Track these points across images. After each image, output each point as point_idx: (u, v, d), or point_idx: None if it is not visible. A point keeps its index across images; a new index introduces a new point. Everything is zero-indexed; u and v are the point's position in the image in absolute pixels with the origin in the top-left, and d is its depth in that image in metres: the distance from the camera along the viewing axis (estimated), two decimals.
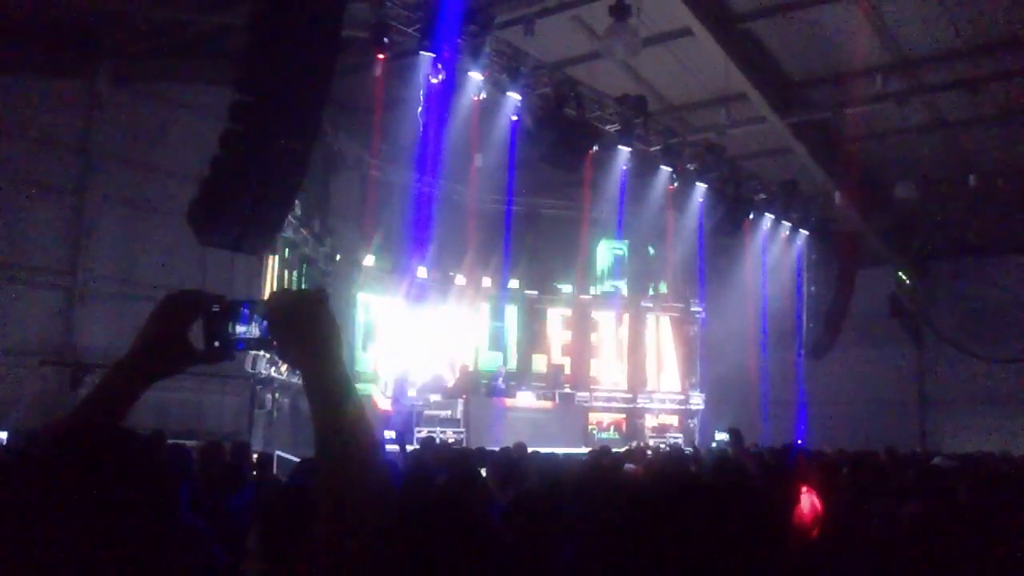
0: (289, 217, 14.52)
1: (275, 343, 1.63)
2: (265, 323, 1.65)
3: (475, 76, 15.01)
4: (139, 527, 1.24)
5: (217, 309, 1.68)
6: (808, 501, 4.28)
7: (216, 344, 1.68)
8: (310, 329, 1.58)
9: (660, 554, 3.53)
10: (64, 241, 15.02)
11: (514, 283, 22.34)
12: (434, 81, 13.98)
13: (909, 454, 12.56)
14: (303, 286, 17.68)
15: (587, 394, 22.85)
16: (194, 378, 14.05)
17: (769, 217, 21.77)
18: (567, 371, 23.28)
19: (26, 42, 13.75)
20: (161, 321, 1.67)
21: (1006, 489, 6.20)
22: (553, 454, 11.44)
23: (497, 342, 22.48)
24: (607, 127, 17.61)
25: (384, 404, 18.07)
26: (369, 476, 1.49)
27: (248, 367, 15.09)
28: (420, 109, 14.30)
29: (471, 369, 20.47)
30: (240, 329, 1.67)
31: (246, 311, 1.68)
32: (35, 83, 14.45)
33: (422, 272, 19.83)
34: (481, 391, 19.19)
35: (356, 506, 1.45)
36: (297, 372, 1.75)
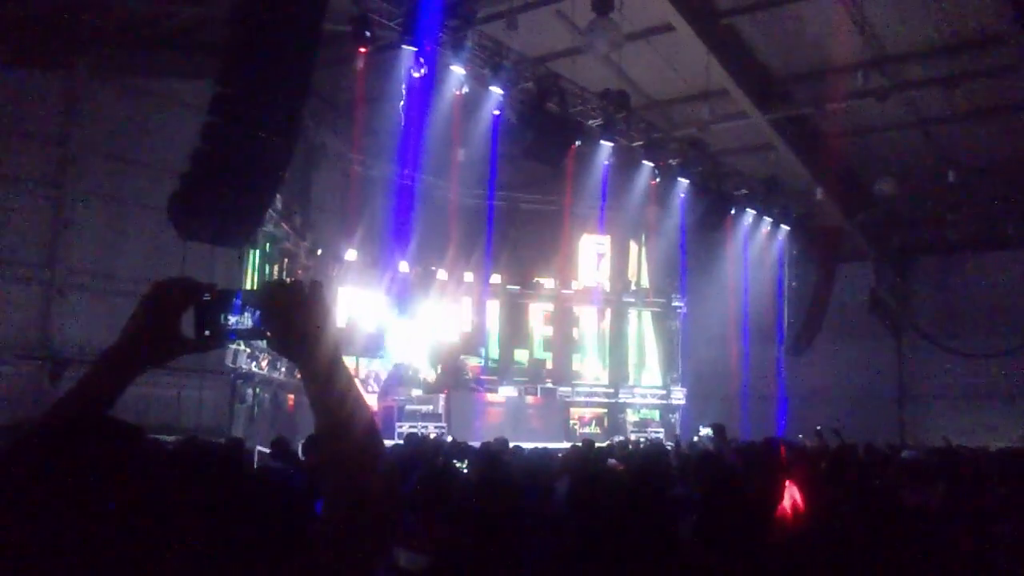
0: (270, 211, 14.47)
1: (268, 333, 1.61)
2: (258, 313, 1.63)
3: (457, 70, 14.98)
4: (131, 521, 1.23)
5: (208, 298, 1.66)
6: (789, 496, 4.30)
7: (207, 333, 1.65)
8: (304, 319, 1.56)
9: (642, 548, 3.53)
10: (42, 235, 14.88)
11: (496, 278, 22.34)
12: (416, 75, 13.94)
13: (886, 448, 12.62)
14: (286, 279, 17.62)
15: (569, 389, 22.90)
16: (172, 373, 13.97)
17: (751, 212, 21.86)
18: (549, 366, 23.31)
19: (3, 34, 13.60)
20: (151, 309, 1.64)
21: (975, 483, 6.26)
22: (535, 448, 11.45)
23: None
24: (589, 122, 17.62)
25: (370, 400, 18.02)
26: (370, 460, 1.51)
27: (228, 362, 15.02)
28: (402, 103, 14.25)
29: (453, 364, 20.46)
30: (232, 319, 1.65)
31: (238, 301, 1.65)
32: (12, 76, 14.29)
33: (404, 267, 19.79)
34: (462, 386, 19.20)
35: (359, 490, 1.47)
36: (286, 363, 1.74)
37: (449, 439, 13.27)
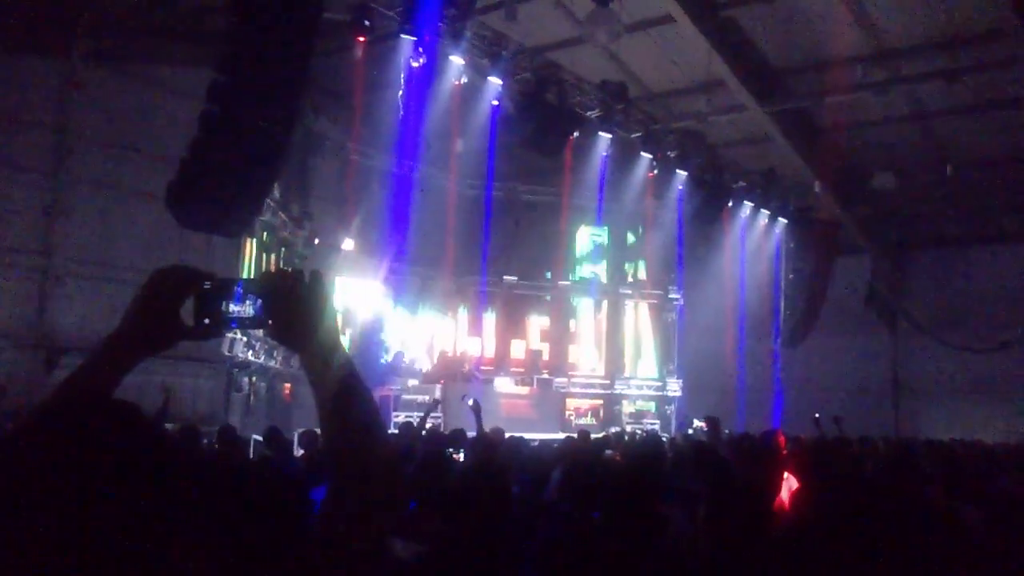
0: (268, 200, 14.45)
1: (270, 322, 1.62)
2: (260, 302, 1.63)
3: (456, 60, 14.95)
4: (137, 500, 1.23)
5: (209, 286, 1.65)
6: (787, 486, 4.32)
7: (207, 321, 1.65)
8: (306, 308, 1.57)
9: (638, 538, 3.54)
10: (39, 222, 14.83)
11: (493, 268, 22.32)
12: (415, 65, 13.91)
13: (881, 440, 12.67)
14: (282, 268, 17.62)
15: (565, 380, 22.88)
16: (169, 362, 13.95)
17: (748, 205, 21.86)
18: (545, 357, 23.30)
19: None
20: (152, 296, 1.64)
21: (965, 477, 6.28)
22: (531, 439, 11.47)
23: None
24: (588, 113, 17.59)
25: None
26: (374, 447, 1.53)
27: (225, 350, 15.01)
28: (400, 93, 14.23)
29: (449, 355, 20.46)
30: (233, 308, 1.65)
31: (239, 290, 1.65)
32: (9, 61, 14.23)
33: (401, 257, 19.77)
34: (459, 376, 19.20)
35: (362, 474, 1.49)
36: (282, 351, 1.74)
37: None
